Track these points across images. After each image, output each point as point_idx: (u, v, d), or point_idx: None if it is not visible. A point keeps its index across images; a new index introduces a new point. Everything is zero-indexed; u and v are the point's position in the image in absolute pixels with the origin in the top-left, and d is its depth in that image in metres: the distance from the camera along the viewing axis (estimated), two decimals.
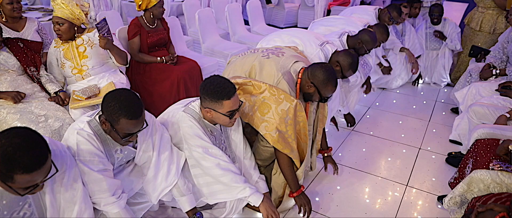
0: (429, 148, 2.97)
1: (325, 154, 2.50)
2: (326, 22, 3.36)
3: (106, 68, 2.57)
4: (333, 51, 2.48)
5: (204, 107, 1.74)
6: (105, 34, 2.39)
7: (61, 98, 2.33)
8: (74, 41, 2.48)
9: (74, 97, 2.32)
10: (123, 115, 1.42)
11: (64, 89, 2.46)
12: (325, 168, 2.51)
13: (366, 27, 3.17)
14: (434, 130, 3.25)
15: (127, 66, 2.76)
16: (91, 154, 1.50)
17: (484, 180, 1.83)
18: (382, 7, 3.78)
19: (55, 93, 2.36)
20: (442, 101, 3.85)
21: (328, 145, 2.52)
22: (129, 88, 2.67)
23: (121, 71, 2.71)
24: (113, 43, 2.55)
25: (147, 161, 1.73)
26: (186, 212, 1.82)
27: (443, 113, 3.59)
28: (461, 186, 1.90)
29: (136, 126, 1.48)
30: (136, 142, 1.68)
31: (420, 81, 4.23)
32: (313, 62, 2.15)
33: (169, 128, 1.81)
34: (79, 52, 2.48)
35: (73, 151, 1.48)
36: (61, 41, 2.48)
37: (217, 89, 1.67)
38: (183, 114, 1.77)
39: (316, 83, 1.98)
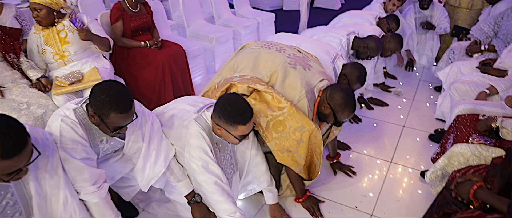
0: (413, 126, 3.03)
1: (334, 160, 2.47)
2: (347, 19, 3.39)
3: (88, 54, 2.53)
4: (342, 65, 2.40)
5: (215, 123, 1.64)
6: (81, 25, 2.38)
7: (43, 85, 2.29)
8: (54, 27, 2.42)
9: (57, 83, 2.28)
10: (113, 109, 1.39)
11: (46, 76, 2.42)
12: (334, 173, 2.43)
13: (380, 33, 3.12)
14: (418, 109, 3.31)
15: (111, 52, 2.73)
16: (74, 142, 1.47)
17: (464, 154, 1.89)
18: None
19: (37, 79, 2.32)
20: (426, 80, 3.92)
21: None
22: (113, 73, 2.66)
23: (104, 57, 2.68)
24: (96, 28, 2.52)
25: (137, 151, 1.71)
26: (185, 196, 1.82)
27: (427, 91, 3.66)
28: (442, 160, 1.96)
29: (126, 119, 1.46)
30: (125, 134, 1.65)
31: (414, 68, 4.23)
32: (334, 83, 2.09)
33: (175, 129, 1.73)
34: (61, 37, 2.43)
35: (55, 137, 1.44)
36: (41, 27, 2.42)
37: (235, 113, 1.56)
38: (194, 124, 1.66)
39: (333, 105, 1.90)
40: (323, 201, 2.18)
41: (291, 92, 1.94)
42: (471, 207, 1.48)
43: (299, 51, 2.23)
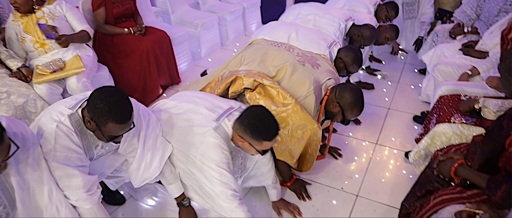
0: (398, 108, 3.07)
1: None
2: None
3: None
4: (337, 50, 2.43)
5: (238, 135, 1.58)
6: (55, 36, 2.35)
7: (24, 74, 2.24)
8: (33, 14, 2.36)
9: (38, 71, 2.24)
10: (112, 119, 1.34)
11: (27, 65, 2.36)
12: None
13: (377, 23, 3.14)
14: (403, 91, 3.36)
15: (93, 40, 2.68)
16: (69, 149, 1.40)
17: (446, 133, 1.93)
18: None
19: (18, 69, 2.27)
20: (411, 63, 3.96)
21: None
22: (96, 61, 2.61)
23: (87, 44, 2.63)
24: (76, 16, 2.48)
25: (132, 151, 1.66)
26: (175, 198, 1.80)
27: (412, 74, 3.70)
28: (425, 140, 2.00)
29: (124, 129, 1.41)
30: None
31: (403, 56, 4.23)
32: (341, 82, 2.09)
33: (189, 134, 1.63)
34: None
35: (50, 145, 1.38)
36: (19, 14, 2.36)
37: (263, 129, 1.52)
38: (213, 134, 1.57)
39: (343, 104, 1.91)
40: (310, 184, 2.21)
41: (299, 87, 1.93)
42: (452, 184, 1.52)
43: (312, 55, 2.19)
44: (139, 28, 2.95)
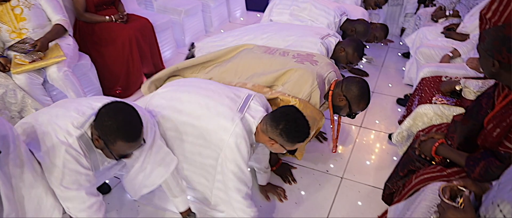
0: (382, 91, 3.11)
1: None
2: None
3: (49, 30, 2.42)
4: (336, 42, 2.43)
5: (269, 137, 1.51)
6: (30, 49, 2.24)
7: (2, 64, 2.18)
8: (8, 3, 2.29)
9: (16, 61, 2.18)
10: (121, 137, 1.28)
11: (5, 54, 2.30)
12: None
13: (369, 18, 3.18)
14: (387, 75, 3.39)
15: (74, 29, 2.62)
16: (78, 173, 1.33)
17: (427, 114, 1.97)
18: None
19: None
20: (394, 47, 3.99)
21: None
22: (77, 50, 2.55)
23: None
24: (51, 3, 2.40)
25: (134, 160, 1.56)
26: (180, 213, 1.77)
27: (395, 58, 3.74)
28: (408, 121, 2.04)
29: (133, 147, 1.35)
30: None
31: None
32: (348, 76, 2.09)
33: (210, 130, 1.54)
34: (16, 14, 2.30)
35: (58, 170, 1.30)
36: None
37: (299, 133, 1.48)
38: (238, 130, 1.49)
39: (350, 97, 1.91)
40: (295, 167, 2.23)
41: (303, 86, 1.91)
42: (433, 163, 1.56)
43: (307, 53, 2.17)
44: (121, 16, 2.89)
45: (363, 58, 3.59)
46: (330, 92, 1.98)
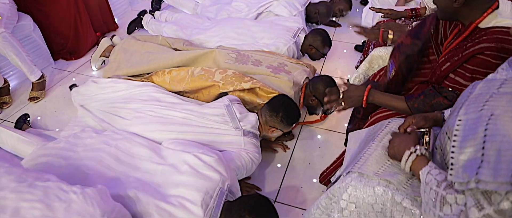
0: (340, 39, 3.13)
1: None
2: None
3: None
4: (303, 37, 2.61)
5: (270, 126, 1.76)
6: None
7: None
8: None
9: None
10: None
11: None
12: None
13: None
14: (346, 21, 3.41)
15: None
16: None
17: (382, 56, 2.01)
18: None
19: None
20: None
21: None
22: (15, 9, 2.35)
23: None
24: None
25: None
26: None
27: (354, 4, 3.74)
28: (364, 65, 2.08)
29: None
30: None
31: None
32: (314, 77, 2.21)
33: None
34: None
35: None
36: None
37: (294, 116, 1.79)
38: (247, 140, 1.67)
39: (318, 96, 2.04)
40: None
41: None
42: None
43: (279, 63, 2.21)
44: None
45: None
46: (302, 96, 2.11)
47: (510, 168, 0.73)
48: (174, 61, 2.19)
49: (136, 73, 2.26)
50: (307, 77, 2.16)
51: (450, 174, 0.84)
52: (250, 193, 1.73)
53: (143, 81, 2.10)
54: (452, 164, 0.84)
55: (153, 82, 2.08)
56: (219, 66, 2.14)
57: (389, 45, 2.05)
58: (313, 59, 2.70)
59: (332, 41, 3.04)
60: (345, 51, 2.96)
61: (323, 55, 2.64)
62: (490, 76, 1.01)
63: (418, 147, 1.04)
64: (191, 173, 1.32)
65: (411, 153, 1.03)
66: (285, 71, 2.11)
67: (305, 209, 1.68)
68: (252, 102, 1.93)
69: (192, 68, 2.08)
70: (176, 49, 2.40)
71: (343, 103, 1.43)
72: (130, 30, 3.09)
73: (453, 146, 0.86)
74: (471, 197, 0.79)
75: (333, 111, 2.22)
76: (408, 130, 1.15)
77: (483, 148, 0.79)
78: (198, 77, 2.02)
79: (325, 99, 1.47)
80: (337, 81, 1.96)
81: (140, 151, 1.45)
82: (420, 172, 0.98)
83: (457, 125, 0.89)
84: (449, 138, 0.99)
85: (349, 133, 1.46)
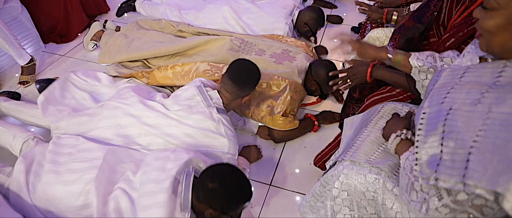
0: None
1: None
2: None
3: None
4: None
5: (242, 96, 1.65)
6: None
7: None
8: None
9: None
10: None
11: None
12: None
13: None
14: (341, 4, 3.35)
15: None
16: None
17: (379, 38, 1.97)
18: None
19: None
20: None
21: None
22: None
23: None
24: None
25: None
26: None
27: None
28: None
29: None
30: None
31: None
32: (315, 60, 2.20)
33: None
34: None
35: None
36: None
37: (257, 76, 1.65)
38: (217, 117, 1.56)
39: (320, 81, 2.03)
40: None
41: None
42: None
43: (283, 50, 2.21)
44: None
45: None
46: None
47: (462, 167, 0.74)
48: (175, 48, 2.21)
49: (136, 58, 2.27)
50: (308, 63, 2.15)
51: (415, 170, 0.86)
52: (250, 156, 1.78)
53: (142, 75, 2.12)
54: (416, 159, 0.86)
55: (155, 77, 2.07)
56: (222, 53, 2.13)
57: (386, 26, 2.02)
58: (304, 37, 2.70)
59: (328, 23, 3.02)
60: (342, 32, 2.91)
61: (314, 34, 2.60)
62: (456, 61, 1.02)
63: (404, 131, 1.04)
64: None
65: (397, 136, 1.04)
66: (289, 58, 2.12)
67: (299, 193, 1.68)
68: (264, 94, 1.92)
69: (197, 64, 2.05)
70: (181, 31, 2.46)
71: (349, 81, 1.47)
72: (120, 13, 3.02)
73: (417, 141, 0.88)
74: (433, 187, 0.83)
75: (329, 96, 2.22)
76: None
77: (441, 144, 0.81)
78: (204, 72, 1.99)
79: (331, 82, 1.52)
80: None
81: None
82: (401, 157, 0.99)
83: (421, 118, 0.89)
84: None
85: (345, 119, 1.46)
